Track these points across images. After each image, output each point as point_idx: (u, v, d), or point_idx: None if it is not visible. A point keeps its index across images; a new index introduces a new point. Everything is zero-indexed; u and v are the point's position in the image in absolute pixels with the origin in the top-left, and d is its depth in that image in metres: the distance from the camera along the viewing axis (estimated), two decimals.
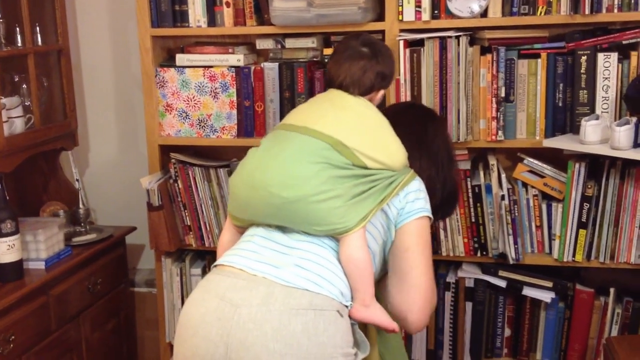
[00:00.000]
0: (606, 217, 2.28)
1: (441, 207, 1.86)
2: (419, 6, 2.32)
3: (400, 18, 2.34)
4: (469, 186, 2.35)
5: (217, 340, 1.52)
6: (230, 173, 2.50)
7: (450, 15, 2.31)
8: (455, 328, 2.50)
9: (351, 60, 1.75)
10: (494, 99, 2.32)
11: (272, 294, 1.53)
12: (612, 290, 2.37)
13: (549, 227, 2.37)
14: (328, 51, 2.39)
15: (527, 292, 2.40)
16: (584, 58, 2.25)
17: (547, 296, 2.38)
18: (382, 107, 1.84)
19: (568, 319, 2.43)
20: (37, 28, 2.60)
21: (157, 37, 2.59)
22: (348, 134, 1.65)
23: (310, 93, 2.44)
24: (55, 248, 2.51)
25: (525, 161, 2.36)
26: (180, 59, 2.56)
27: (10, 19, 2.54)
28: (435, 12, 2.33)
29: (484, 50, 2.32)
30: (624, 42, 2.23)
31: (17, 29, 2.53)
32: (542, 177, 2.35)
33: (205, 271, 2.67)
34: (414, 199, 1.70)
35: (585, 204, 2.28)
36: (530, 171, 2.36)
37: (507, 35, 2.31)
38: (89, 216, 2.85)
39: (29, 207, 2.84)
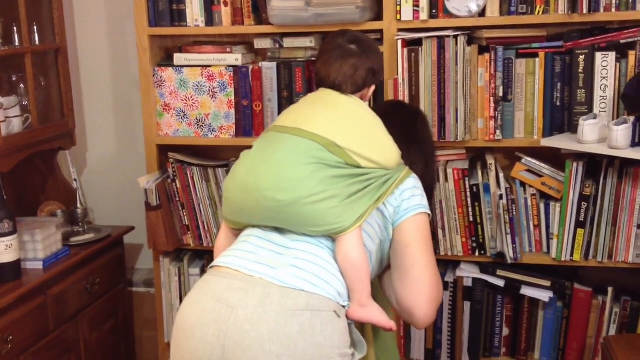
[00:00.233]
0: (604, 217, 2.28)
1: None
2: (417, 5, 2.32)
3: (398, 17, 2.34)
4: (467, 185, 2.35)
5: (214, 342, 1.52)
6: (228, 172, 2.50)
7: (448, 14, 2.31)
8: (454, 327, 2.51)
9: (342, 59, 1.74)
10: (492, 99, 2.32)
11: (269, 295, 1.53)
12: (610, 289, 2.37)
13: (547, 227, 2.37)
14: None
15: (525, 291, 2.40)
16: (581, 57, 2.25)
17: (545, 295, 2.38)
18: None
19: (566, 318, 2.43)
20: (35, 27, 2.60)
21: (154, 37, 2.59)
22: (341, 134, 1.64)
23: (309, 92, 2.44)
24: (53, 248, 2.51)
25: (523, 160, 2.36)
26: (178, 58, 2.56)
27: (7, 18, 2.54)
28: (433, 11, 2.33)
29: (482, 50, 2.32)
30: (621, 41, 2.23)
31: (15, 28, 2.53)
32: (540, 176, 2.35)
33: (203, 271, 2.67)
34: (409, 197, 1.70)
35: (583, 203, 2.28)
36: (528, 170, 2.36)
37: (505, 34, 2.31)
38: (87, 216, 2.84)
39: (26, 207, 2.83)
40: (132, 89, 2.92)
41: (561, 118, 2.32)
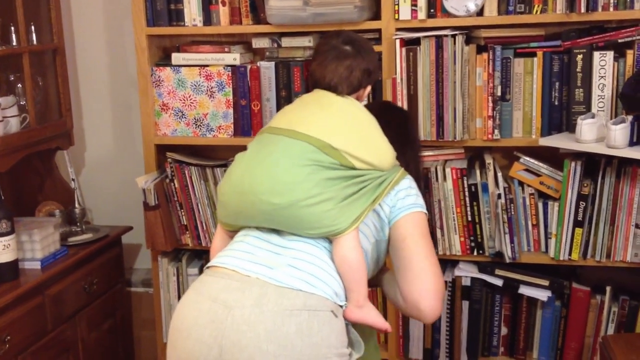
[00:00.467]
0: (602, 216, 2.28)
1: None
2: (415, 5, 2.32)
3: (397, 17, 2.34)
4: (466, 185, 2.35)
5: (211, 342, 1.52)
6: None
7: (447, 14, 2.31)
8: (452, 327, 2.50)
9: (337, 60, 1.73)
10: (490, 98, 2.32)
11: (266, 295, 1.53)
12: (608, 288, 2.38)
13: (545, 226, 2.37)
14: None
15: (524, 290, 2.40)
16: (579, 57, 2.25)
17: (543, 295, 2.38)
18: None
19: (564, 317, 2.43)
20: (32, 27, 2.60)
21: (152, 36, 2.59)
22: (335, 135, 1.64)
23: (307, 92, 2.43)
24: (51, 248, 2.50)
25: (521, 160, 2.36)
26: (176, 58, 2.56)
27: (5, 18, 2.53)
28: (432, 10, 2.33)
29: (480, 49, 2.32)
30: (619, 40, 2.23)
31: (12, 28, 2.52)
32: (538, 175, 2.35)
33: (202, 271, 2.64)
34: (404, 196, 1.70)
35: (581, 202, 2.28)
36: (527, 170, 2.36)
37: (503, 34, 2.31)
38: (85, 216, 2.84)
39: (24, 207, 2.83)
40: (130, 88, 2.92)
41: (559, 117, 2.32)
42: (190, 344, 1.54)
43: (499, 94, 2.31)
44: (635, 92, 2.12)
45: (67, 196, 2.86)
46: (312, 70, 1.77)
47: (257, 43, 2.52)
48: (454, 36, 2.28)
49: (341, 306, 1.60)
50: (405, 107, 2.35)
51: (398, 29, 2.35)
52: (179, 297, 2.67)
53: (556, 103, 2.31)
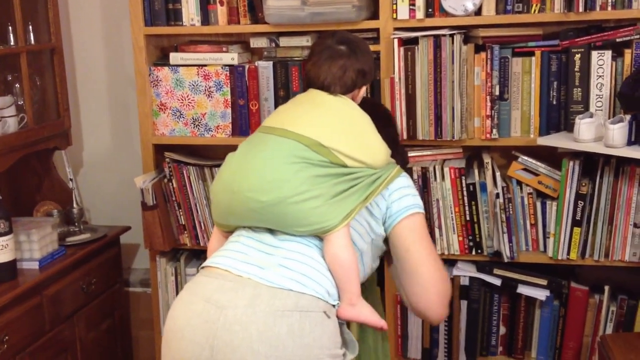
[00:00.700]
0: (600, 215, 2.28)
1: None
2: (413, 4, 2.32)
3: (395, 16, 2.34)
4: (464, 184, 2.35)
5: (203, 343, 1.52)
6: None
7: (445, 13, 2.31)
8: (451, 326, 2.50)
9: (330, 60, 1.73)
10: (488, 97, 2.31)
11: (259, 296, 1.53)
12: (606, 288, 2.38)
13: (544, 225, 2.37)
14: None
15: (522, 290, 2.40)
16: (577, 56, 2.25)
17: (542, 294, 2.38)
18: None
19: (563, 316, 2.43)
20: (30, 27, 2.59)
21: (150, 36, 2.58)
22: (326, 134, 1.64)
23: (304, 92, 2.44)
24: (49, 248, 2.50)
25: (519, 159, 2.36)
26: (174, 57, 2.56)
27: (2, 17, 2.53)
28: (430, 10, 2.33)
29: (478, 49, 2.32)
30: (617, 40, 2.23)
31: (10, 27, 2.52)
32: (536, 175, 2.35)
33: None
34: (399, 198, 1.69)
35: (579, 201, 2.28)
36: (525, 169, 2.36)
37: (501, 33, 2.31)
38: (83, 216, 2.84)
39: (22, 207, 2.83)
40: (128, 88, 2.91)
41: (557, 117, 2.32)
42: (184, 344, 1.54)
43: (497, 93, 2.31)
44: (633, 92, 2.12)
45: (65, 196, 2.85)
46: (307, 70, 1.77)
47: (255, 43, 2.52)
48: (452, 36, 2.28)
49: (334, 305, 1.60)
50: (403, 106, 2.35)
51: (396, 29, 2.35)
52: None
53: (554, 102, 2.31)
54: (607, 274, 2.38)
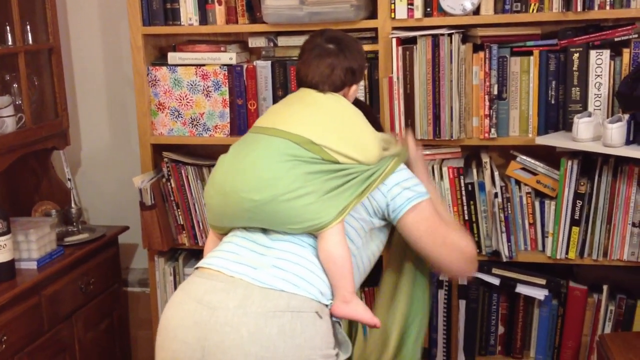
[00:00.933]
0: (599, 214, 2.28)
1: None
2: (412, 4, 2.31)
3: (393, 16, 2.34)
4: (462, 184, 2.35)
5: (195, 344, 1.52)
6: None
7: (443, 13, 2.31)
8: (449, 326, 2.50)
9: (319, 58, 1.73)
10: (486, 97, 2.31)
11: (250, 296, 1.52)
12: (605, 287, 2.38)
13: (542, 225, 2.37)
14: None
15: (521, 289, 2.40)
16: (576, 55, 2.25)
17: (540, 294, 2.39)
18: None
19: (561, 316, 2.43)
20: (28, 27, 2.59)
21: (148, 36, 2.58)
22: (317, 132, 1.64)
23: None
24: (47, 248, 2.50)
25: (518, 159, 2.36)
26: (172, 57, 2.56)
27: (0, 17, 2.52)
28: (428, 9, 2.32)
29: (477, 48, 2.32)
30: (616, 39, 2.23)
31: (8, 27, 2.52)
32: (535, 174, 2.35)
33: None
34: (400, 191, 1.69)
35: (578, 201, 2.28)
36: (523, 169, 2.36)
37: (499, 32, 2.31)
38: (81, 216, 2.84)
39: (20, 207, 2.82)
40: (126, 88, 2.91)
41: (556, 116, 2.32)
42: (176, 345, 1.54)
43: (495, 92, 2.31)
44: (631, 91, 2.12)
45: (64, 196, 2.85)
46: (298, 68, 1.78)
47: (254, 42, 2.52)
48: (450, 35, 2.28)
49: (327, 305, 1.60)
50: (402, 106, 2.35)
51: (394, 28, 2.35)
52: None
53: (553, 102, 2.31)
54: (605, 273, 2.38)
